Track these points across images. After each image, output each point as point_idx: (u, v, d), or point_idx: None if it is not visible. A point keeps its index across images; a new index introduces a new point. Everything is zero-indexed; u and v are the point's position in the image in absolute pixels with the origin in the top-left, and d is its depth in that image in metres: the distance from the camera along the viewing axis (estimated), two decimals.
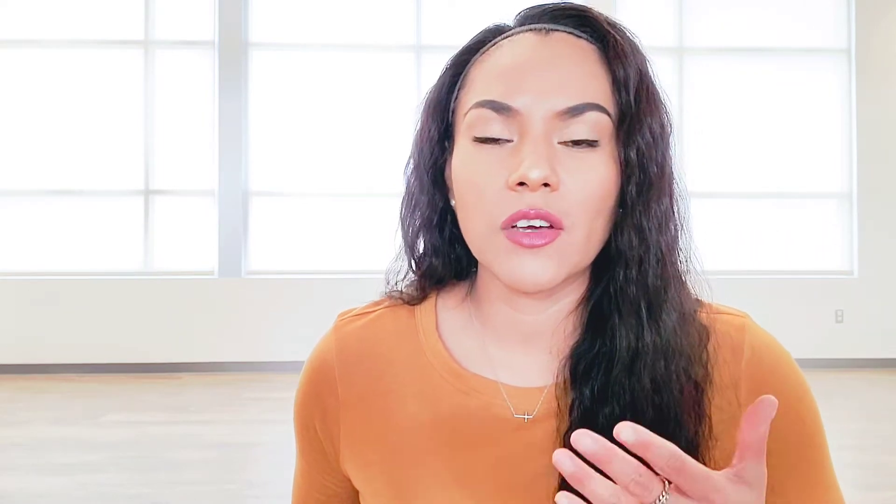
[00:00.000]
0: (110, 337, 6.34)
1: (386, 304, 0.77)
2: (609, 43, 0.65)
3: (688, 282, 0.69)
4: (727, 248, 6.52)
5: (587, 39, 0.67)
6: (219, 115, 6.50)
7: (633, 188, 0.64)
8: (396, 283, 0.76)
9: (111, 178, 6.55)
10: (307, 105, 6.62)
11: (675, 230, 0.68)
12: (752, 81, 6.73)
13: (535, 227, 0.63)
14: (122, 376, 6.13)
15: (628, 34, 0.67)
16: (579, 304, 0.70)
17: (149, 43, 6.59)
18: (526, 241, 0.63)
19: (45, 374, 6.21)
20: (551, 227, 0.63)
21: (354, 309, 0.79)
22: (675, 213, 0.68)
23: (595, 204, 0.64)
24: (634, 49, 0.66)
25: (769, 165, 6.72)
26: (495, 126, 0.64)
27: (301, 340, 6.46)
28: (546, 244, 0.63)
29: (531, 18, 0.69)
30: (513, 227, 0.63)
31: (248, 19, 6.62)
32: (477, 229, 0.66)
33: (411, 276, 0.76)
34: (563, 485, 0.65)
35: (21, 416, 4.78)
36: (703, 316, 0.69)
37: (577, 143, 0.64)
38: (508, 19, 0.71)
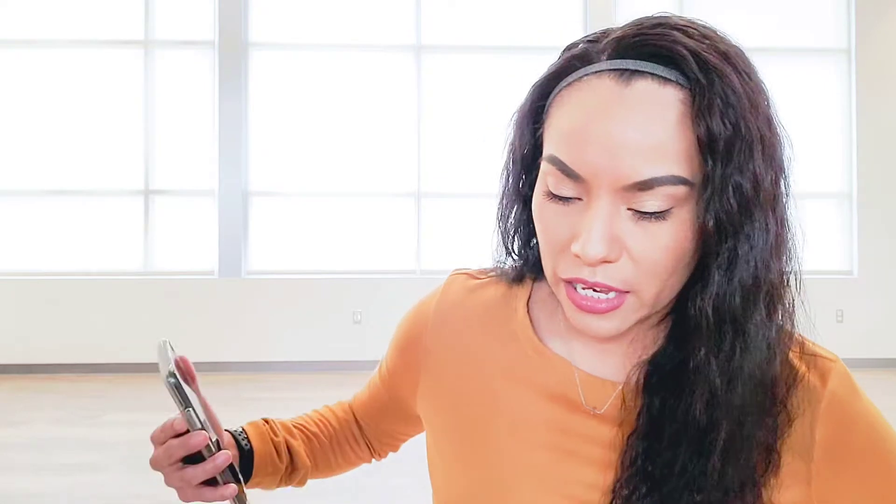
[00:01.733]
0: (110, 337, 6.35)
1: (494, 273, 0.81)
2: (696, 93, 0.59)
3: (787, 318, 0.66)
4: None
5: (675, 83, 0.60)
6: (219, 115, 6.50)
7: (715, 246, 0.60)
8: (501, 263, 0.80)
9: (111, 178, 6.55)
10: (307, 105, 6.62)
11: (776, 258, 0.63)
12: None
13: (597, 290, 0.63)
14: (122, 376, 6.14)
15: (727, 74, 0.59)
16: (664, 318, 0.69)
17: (149, 43, 6.59)
18: (586, 304, 0.63)
19: (45, 374, 6.21)
20: (615, 289, 0.62)
21: (469, 269, 0.84)
22: (780, 242, 0.63)
23: (665, 270, 0.61)
24: (729, 93, 0.59)
25: None
26: (564, 185, 0.62)
27: (301, 340, 6.50)
28: (608, 310, 0.63)
29: (618, 51, 0.62)
30: (573, 284, 0.64)
31: (248, 19, 6.62)
32: (546, 270, 0.67)
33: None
34: (615, 489, 0.65)
35: (21, 416, 4.78)
36: (794, 355, 0.67)
37: (645, 214, 0.60)
38: (594, 39, 0.66)
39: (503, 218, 0.75)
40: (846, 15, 6.78)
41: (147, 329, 6.35)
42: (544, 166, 0.64)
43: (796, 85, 6.76)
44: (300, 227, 6.60)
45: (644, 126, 0.59)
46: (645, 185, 0.59)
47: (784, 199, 0.63)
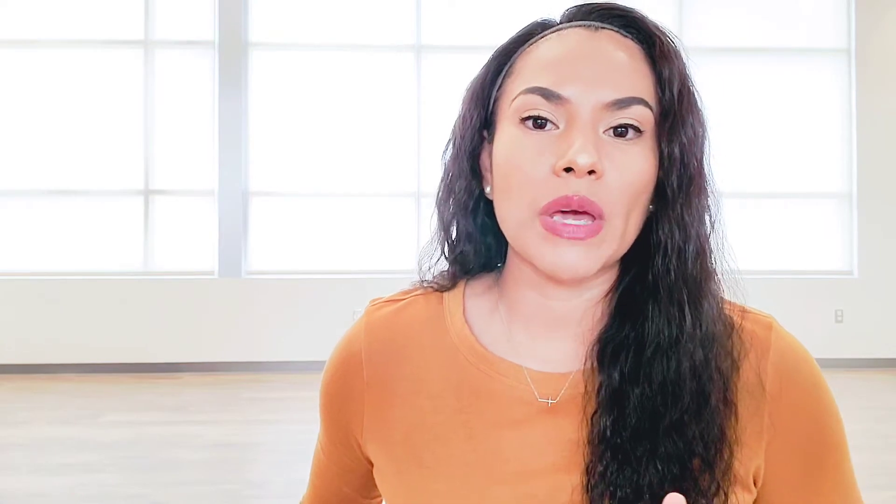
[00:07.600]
0: (110, 337, 6.35)
1: (417, 292, 0.79)
2: (655, 43, 0.68)
3: (718, 277, 0.71)
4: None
5: (633, 39, 0.69)
6: (219, 115, 6.50)
7: (674, 181, 0.66)
8: (429, 269, 0.78)
9: (111, 178, 6.55)
10: (307, 105, 6.62)
11: (711, 226, 0.70)
12: (752, 81, 6.73)
13: (577, 213, 0.64)
14: (122, 376, 6.14)
15: (672, 37, 0.69)
16: (609, 293, 0.72)
17: (149, 43, 6.59)
18: (566, 233, 0.64)
19: (45, 374, 6.21)
20: (592, 217, 0.64)
21: (386, 296, 0.81)
22: (710, 211, 0.70)
23: (634, 195, 0.65)
24: (677, 52, 0.69)
25: (769, 165, 6.72)
26: (543, 112, 0.66)
27: (301, 340, 6.49)
28: (588, 236, 0.64)
29: (578, 16, 0.71)
30: (553, 214, 0.64)
31: (248, 19, 6.62)
32: (515, 214, 0.67)
33: (443, 263, 0.78)
34: (588, 469, 0.66)
35: (21, 416, 4.78)
36: (727, 310, 0.71)
37: (620, 133, 0.65)
38: (554, 16, 0.73)
39: (444, 200, 0.75)
40: (846, 15, 6.78)
41: (147, 329, 6.35)
42: (519, 101, 0.67)
43: (796, 85, 6.76)
44: (300, 227, 6.60)
45: (616, 57, 0.66)
46: (623, 103, 0.65)
47: (709, 170, 0.70)
